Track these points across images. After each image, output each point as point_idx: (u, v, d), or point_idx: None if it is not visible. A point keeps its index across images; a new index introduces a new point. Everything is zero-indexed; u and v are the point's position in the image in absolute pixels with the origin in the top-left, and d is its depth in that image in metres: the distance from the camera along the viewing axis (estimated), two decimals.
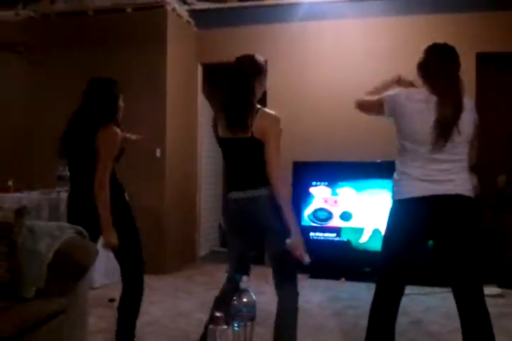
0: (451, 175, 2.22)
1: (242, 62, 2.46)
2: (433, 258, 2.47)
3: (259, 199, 2.40)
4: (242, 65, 2.44)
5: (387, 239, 2.36)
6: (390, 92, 2.37)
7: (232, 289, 2.51)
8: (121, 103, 2.81)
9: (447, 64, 2.25)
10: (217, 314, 1.55)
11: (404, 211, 2.29)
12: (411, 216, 2.26)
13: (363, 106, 2.56)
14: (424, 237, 2.31)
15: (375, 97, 2.45)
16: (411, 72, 2.39)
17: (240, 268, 2.58)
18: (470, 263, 2.22)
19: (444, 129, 2.16)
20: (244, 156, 2.45)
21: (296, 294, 2.47)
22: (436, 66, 2.25)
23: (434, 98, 2.21)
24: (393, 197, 2.35)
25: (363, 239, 4.68)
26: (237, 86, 2.42)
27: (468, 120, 2.22)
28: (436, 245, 2.31)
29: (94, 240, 2.71)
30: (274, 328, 2.46)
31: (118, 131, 2.70)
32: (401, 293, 2.31)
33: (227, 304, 2.41)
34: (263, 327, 2.72)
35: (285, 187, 2.39)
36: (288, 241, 2.32)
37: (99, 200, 2.60)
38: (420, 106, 2.22)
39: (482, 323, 2.20)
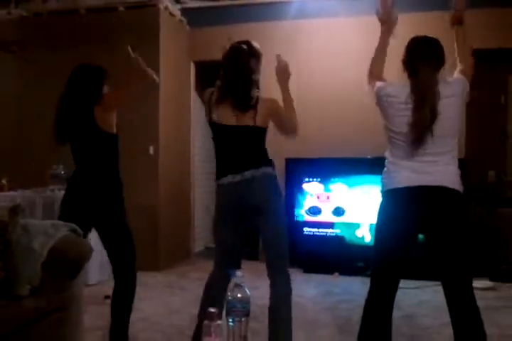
0: (436, 167, 2.24)
1: (241, 46, 2.54)
2: (423, 251, 2.50)
3: (257, 180, 2.42)
4: (241, 48, 2.52)
5: (378, 233, 2.37)
6: (379, 84, 2.42)
7: (216, 286, 2.54)
8: (105, 87, 2.84)
9: (429, 64, 2.27)
10: (212, 309, 1.56)
11: (392, 202, 2.31)
12: (398, 207, 2.29)
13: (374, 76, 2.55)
14: (413, 230, 2.31)
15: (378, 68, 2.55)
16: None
17: (231, 261, 2.59)
18: (459, 256, 2.23)
19: (420, 133, 2.20)
20: (244, 142, 2.48)
21: (289, 281, 2.49)
22: (418, 66, 2.28)
23: (412, 98, 2.25)
24: (382, 189, 2.38)
25: (360, 233, 4.72)
26: (239, 67, 2.47)
27: (449, 108, 2.24)
28: (425, 238, 2.33)
29: (91, 225, 2.75)
30: (269, 320, 2.46)
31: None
32: (395, 288, 2.33)
33: (216, 296, 2.46)
34: (257, 323, 2.75)
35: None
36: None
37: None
38: (400, 106, 2.27)
39: (472, 318, 2.22)
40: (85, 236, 2.73)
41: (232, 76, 2.47)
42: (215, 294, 2.53)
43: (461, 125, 2.36)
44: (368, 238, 4.64)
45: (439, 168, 2.25)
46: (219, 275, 2.57)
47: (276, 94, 2.55)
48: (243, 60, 2.49)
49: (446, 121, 2.23)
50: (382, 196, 2.37)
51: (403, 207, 2.28)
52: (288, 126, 2.55)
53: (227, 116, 2.45)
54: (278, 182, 2.51)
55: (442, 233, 2.25)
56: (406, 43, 2.41)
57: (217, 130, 2.53)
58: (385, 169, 2.37)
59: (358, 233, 4.72)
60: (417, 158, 2.26)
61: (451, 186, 2.24)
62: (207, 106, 2.54)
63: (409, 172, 2.26)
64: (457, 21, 2.46)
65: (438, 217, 2.25)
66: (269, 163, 2.49)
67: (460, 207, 2.26)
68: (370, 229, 4.64)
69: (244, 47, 2.53)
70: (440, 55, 2.32)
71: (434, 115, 2.20)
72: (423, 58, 2.29)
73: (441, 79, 2.28)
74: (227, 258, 2.59)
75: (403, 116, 2.26)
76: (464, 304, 2.24)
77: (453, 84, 2.32)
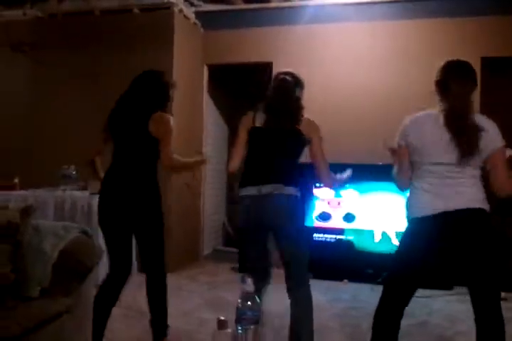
0: (462, 190, 2.22)
1: (286, 77, 2.66)
2: (436, 262, 2.49)
3: (275, 197, 2.43)
4: (287, 79, 2.65)
5: (401, 257, 2.34)
6: (398, 136, 2.38)
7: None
8: (171, 91, 2.90)
9: (465, 86, 2.25)
10: (221, 318, 1.56)
11: (418, 230, 2.29)
12: (425, 234, 2.27)
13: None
14: (437, 254, 2.31)
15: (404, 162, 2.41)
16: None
17: (258, 273, 2.55)
18: (489, 270, 2.23)
19: (465, 152, 2.19)
20: (280, 149, 2.53)
21: (310, 296, 2.52)
22: (454, 87, 2.24)
23: (441, 119, 2.23)
24: (407, 215, 2.36)
25: (376, 239, 4.69)
26: (285, 95, 2.60)
27: (486, 140, 2.22)
28: (455, 260, 2.31)
29: (127, 221, 2.74)
30: (290, 332, 2.48)
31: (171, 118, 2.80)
32: (409, 299, 2.32)
33: None
34: (266, 328, 2.73)
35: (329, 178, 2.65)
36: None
37: (179, 166, 2.88)
38: (429, 127, 2.25)
39: (497, 332, 2.23)
40: (129, 240, 2.77)
41: (278, 101, 2.58)
42: None
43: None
44: (376, 244, 4.61)
45: (468, 189, 2.23)
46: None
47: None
48: (290, 90, 2.62)
49: (482, 149, 2.21)
50: (409, 222, 2.34)
51: (430, 234, 2.25)
52: (320, 164, 2.64)
53: (270, 123, 2.55)
54: (297, 202, 2.50)
55: (472, 253, 2.23)
56: (441, 64, 2.35)
57: (258, 134, 2.56)
58: (410, 195, 2.36)
59: (376, 239, 4.68)
60: (444, 181, 2.24)
61: (477, 206, 2.23)
62: (249, 122, 2.61)
63: (436, 198, 2.23)
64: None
65: (468, 238, 2.22)
66: (293, 183, 2.50)
67: (487, 226, 2.24)
68: (383, 236, 4.62)
69: (289, 78, 2.64)
70: (474, 77, 2.30)
71: (474, 127, 2.18)
72: (458, 76, 2.27)
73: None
74: (256, 273, 2.58)
75: (433, 137, 2.23)
76: (490, 315, 2.24)
77: (489, 121, 2.29)
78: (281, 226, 2.45)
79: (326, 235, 4.80)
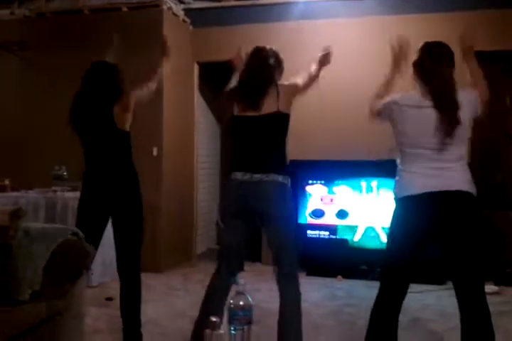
0: (451, 172, 2.24)
1: (264, 48, 2.63)
2: (428, 256, 2.50)
3: (266, 184, 2.42)
4: (265, 51, 2.61)
5: (392, 238, 2.37)
6: (386, 100, 2.39)
7: (221, 285, 2.52)
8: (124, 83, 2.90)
9: (441, 64, 2.26)
10: (213, 318, 1.54)
11: (406, 209, 2.31)
12: (413, 214, 2.28)
13: (378, 115, 2.51)
14: (427, 235, 2.32)
15: (380, 103, 2.44)
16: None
17: (234, 262, 2.58)
18: (472, 259, 2.23)
19: (442, 140, 2.20)
20: (266, 135, 2.48)
21: (299, 290, 2.49)
22: (430, 66, 2.26)
23: (426, 102, 2.23)
24: (395, 196, 2.37)
25: (357, 237, 4.69)
26: (259, 66, 2.55)
27: (465, 116, 2.23)
28: (441, 242, 2.32)
29: (107, 217, 2.81)
30: (278, 326, 2.46)
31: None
32: (405, 292, 2.34)
33: (217, 301, 2.44)
34: (260, 327, 2.72)
35: None
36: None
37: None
38: (413, 111, 2.25)
39: (482, 321, 2.22)
40: (102, 232, 2.79)
41: (252, 81, 2.52)
42: (216, 298, 2.51)
43: (468, 135, 2.34)
44: (369, 240, 4.61)
45: (454, 173, 2.25)
46: (221, 277, 2.56)
47: None
48: (267, 69, 2.56)
49: (462, 126, 2.23)
50: (397, 203, 2.35)
51: (419, 213, 2.27)
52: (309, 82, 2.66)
53: (248, 110, 2.48)
54: (287, 190, 2.48)
55: (457, 236, 2.24)
56: (419, 46, 2.37)
57: (238, 123, 2.53)
58: (397, 177, 2.36)
59: (357, 236, 4.69)
60: (431, 165, 2.25)
61: (466, 189, 2.24)
62: (227, 105, 2.56)
63: (424, 179, 2.25)
64: (468, 52, 2.40)
65: (454, 220, 2.24)
66: (283, 171, 2.47)
67: (475, 210, 2.26)
68: (366, 232, 4.63)
69: (268, 50, 2.61)
70: (451, 57, 2.31)
71: (455, 115, 2.18)
72: (435, 59, 2.27)
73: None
74: (230, 258, 2.57)
75: (417, 123, 2.24)
76: (475, 306, 2.24)
77: (466, 93, 2.29)
78: (271, 212, 2.44)
79: (319, 232, 4.80)
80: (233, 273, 2.53)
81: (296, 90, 2.57)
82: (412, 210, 2.28)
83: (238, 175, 2.46)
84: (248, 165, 2.46)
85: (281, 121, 2.49)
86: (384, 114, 2.40)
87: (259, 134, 2.48)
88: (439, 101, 2.21)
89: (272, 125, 2.47)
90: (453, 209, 2.24)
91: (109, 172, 2.80)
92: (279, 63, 2.63)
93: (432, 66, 2.26)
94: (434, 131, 2.21)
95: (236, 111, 2.52)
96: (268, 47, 2.64)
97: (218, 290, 2.53)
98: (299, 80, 2.59)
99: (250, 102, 2.46)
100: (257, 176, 2.43)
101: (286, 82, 2.58)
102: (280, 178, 2.44)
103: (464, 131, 2.26)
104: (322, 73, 2.69)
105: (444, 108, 2.20)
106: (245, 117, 2.49)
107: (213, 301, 2.50)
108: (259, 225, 2.57)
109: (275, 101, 2.46)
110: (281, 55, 2.66)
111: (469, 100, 2.28)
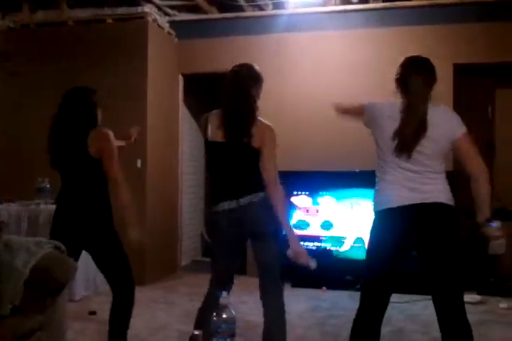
0: (429, 185, 2.26)
1: (241, 70, 2.51)
2: (412, 266, 2.50)
3: (254, 205, 2.41)
4: (241, 73, 2.50)
5: (371, 250, 2.38)
6: (370, 102, 2.42)
7: (211, 305, 2.51)
8: (99, 111, 2.80)
9: (422, 80, 2.29)
10: (196, 332, 1.54)
11: (383, 221, 2.32)
12: (390, 226, 2.29)
13: (348, 111, 2.60)
14: (406, 247, 2.33)
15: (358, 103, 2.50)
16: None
17: (223, 283, 2.56)
18: (452, 271, 2.24)
19: (403, 146, 2.22)
20: (239, 162, 2.45)
21: (283, 303, 2.49)
22: (412, 82, 2.28)
23: (399, 114, 2.26)
24: (374, 208, 2.38)
25: (345, 247, 4.70)
26: (239, 93, 2.45)
27: (439, 134, 2.25)
28: (418, 254, 2.33)
29: (79, 251, 2.71)
30: (263, 338, 2.45)
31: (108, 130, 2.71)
32: (386, 304, 2.34)
33: (205, 320, 2.42)
34: (243, 339, 2.71)
35: (279, 191, 2.43)
36: (289, 251, 2.35)
37: (124, 196, 2.61)
38: (390, 121, 2.28)
39: (462, 333, 2.22)
40: (76, 259, 2.67)
41: (231, 106, 2.45)
42: (208, 315, 2.49)
43: (447, 160, 2.39)
44: (354, 251, 4.62)
45: (432, 186, 2.27)
46: (214, 297, 2.55)
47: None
48: (245, 89, 2.46)
49: (436, 143, 2.25)
50: (375, 215, 2.37)
51: (396, 226, 2.28)
52: (264, 168, 2.44)
53: (222, 136, 2.43)
54: (271, 206, 2.46)
55: (436, 248, 2.26)
56: (401, 61, 2.40)
57: (212, 148, 2.49)
58: (377, 187, 2.37)
59: (346, 246, 4.70)
60: (407, 176, 2.26)
61: (445, 202, 2.26)
62: (203, 129, 2.52)
63: (400, 191, 2.26)
64: None
65: (431, 232, 2.26)
66: (263, 188, 2.45)
67: (453, 222, 2.27)
68: (355, 243, 4.64)
69: (245, 72, 2.50)
70: (431, 72, 2.33)
71: (421, 127, 2.20)
72: (415, 73, 2.30)
73: (432, 102, 2.29)
74: (224, 280, 2.56)
75: (389, 131, 2.27)
76: (454, 319, 2.24)
77: (442, 111, 2.32)
78: (259, 229, 2.44)
79: (303, 243, 4.80)
80: (224, 288, 2.52)
81: (262, 146, 2.44)
82: (389, 222, 2.30)
83: (225, 205, 2.44)
84: (231, 193, 2.44)
85: (251, 151, 2.44)
86: (365, 114, 2.42)
87: (233, 163, 2.46)
88: (411, 118, 2.23)
89: (243, 155, 2.46)
90: (429, 222, 2.25)
91: (78, 206, 2.69)
92: (257, 80, 2.54)
93: (413, 83, 2.27)
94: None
95: (210, 136, 2.48)
96: (244, 68, 2.53)
97: (210, 307, 2.52)
98: (265, 159, 2.44)
99: (229, 132, 2.42)
100: (244, 200, 2.42)
101: (268, 131, 2.45)
102: (262, 195, 2.44)
103: (440, 149, 2.27)
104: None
105: (410, 116, 2.23)
106: (218, 143, 2.45)
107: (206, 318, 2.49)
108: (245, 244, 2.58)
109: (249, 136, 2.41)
110: (257, 67, 2.57)
111: (446, 120, 2.29)
